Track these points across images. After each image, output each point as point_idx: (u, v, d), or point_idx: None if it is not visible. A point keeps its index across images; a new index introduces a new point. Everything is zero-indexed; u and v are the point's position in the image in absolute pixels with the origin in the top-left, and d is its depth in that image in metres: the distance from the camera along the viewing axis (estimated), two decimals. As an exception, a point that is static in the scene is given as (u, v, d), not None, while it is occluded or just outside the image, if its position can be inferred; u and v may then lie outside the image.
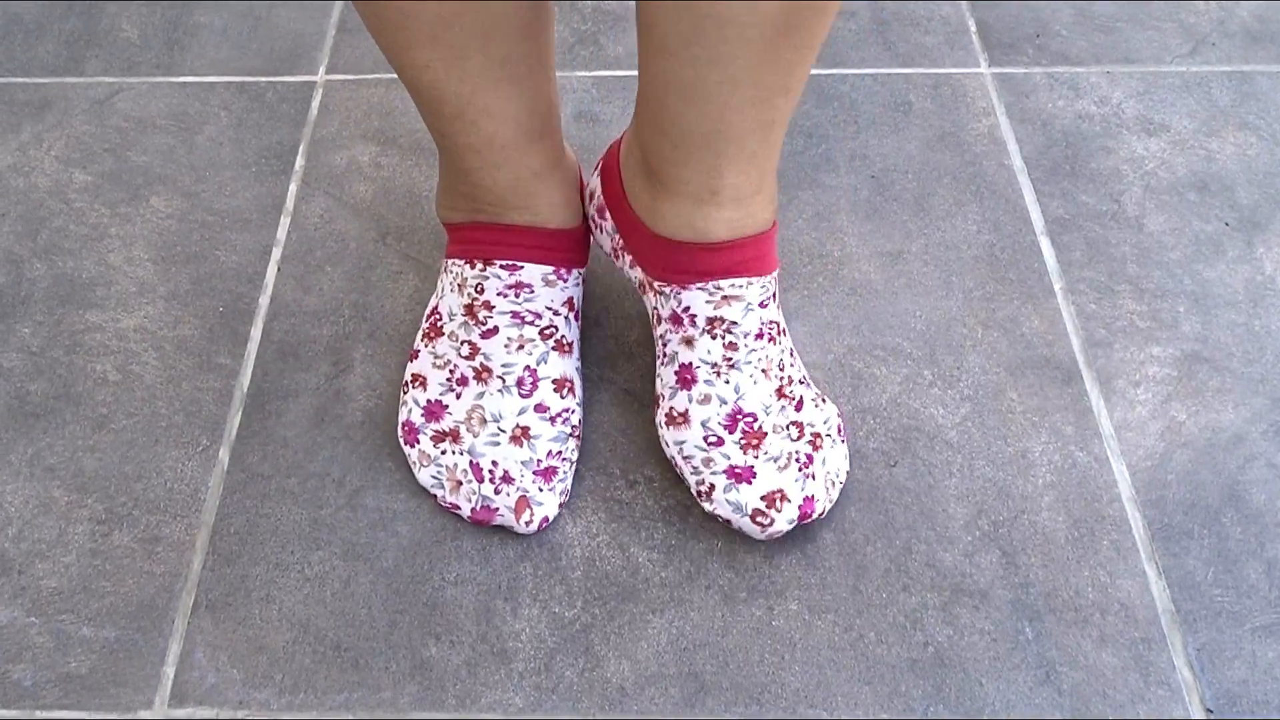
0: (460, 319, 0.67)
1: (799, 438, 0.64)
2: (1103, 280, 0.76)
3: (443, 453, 0.65)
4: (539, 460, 0.64)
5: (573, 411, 0.66)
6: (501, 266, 0.66)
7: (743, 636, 0.61)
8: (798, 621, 0.62)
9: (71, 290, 0.77)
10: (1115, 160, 0.84)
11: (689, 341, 0.64)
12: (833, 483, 0.64)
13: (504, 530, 0.65)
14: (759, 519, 0.62)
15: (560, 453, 0.65)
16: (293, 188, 0.84)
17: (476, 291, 0.66)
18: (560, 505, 0.65)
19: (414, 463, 0.66)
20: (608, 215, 0.68)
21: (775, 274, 0.66)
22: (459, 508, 0.65)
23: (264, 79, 0.92)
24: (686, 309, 0.64)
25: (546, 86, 0.62)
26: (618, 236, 0.68)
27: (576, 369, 0.68)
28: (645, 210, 0.64)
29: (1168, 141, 0.85)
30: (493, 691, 0.59)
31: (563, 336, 0.67)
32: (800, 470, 0.63)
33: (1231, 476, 0.67)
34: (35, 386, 0.72)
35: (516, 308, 0.66)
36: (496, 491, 0.64)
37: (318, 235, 0.81)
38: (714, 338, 0.63)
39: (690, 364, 0.64)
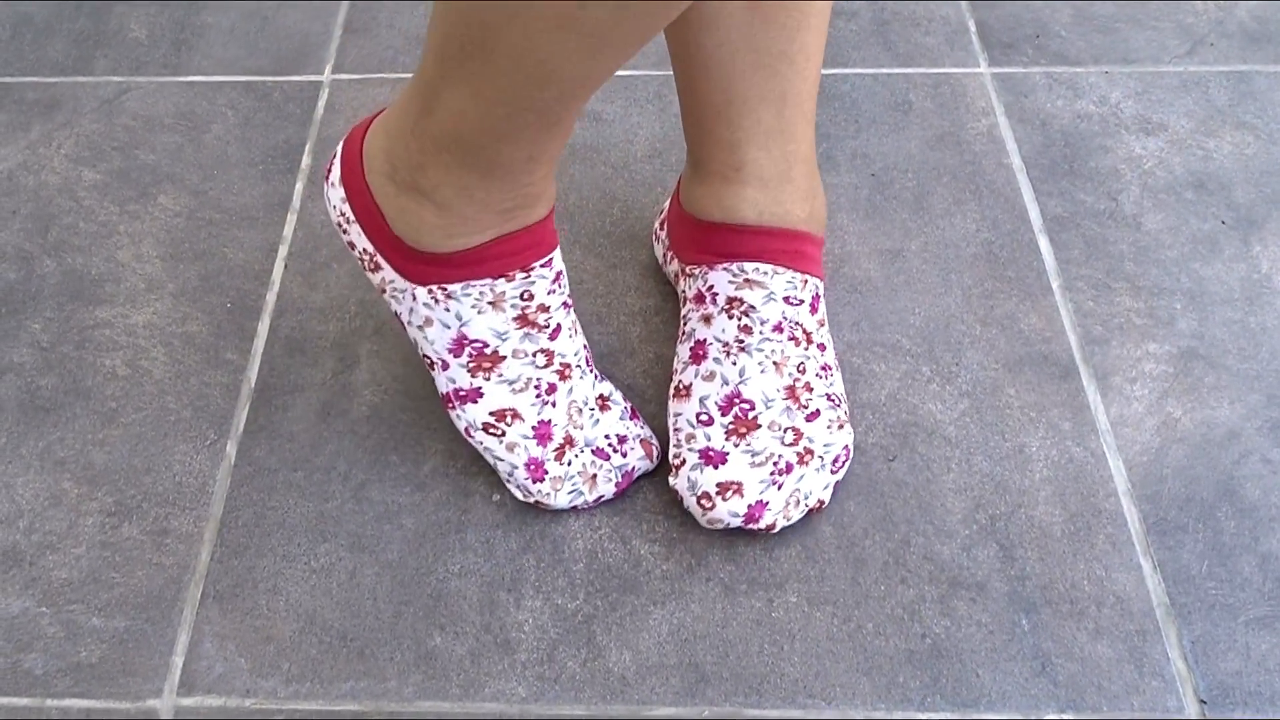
0: (516, 333, 0.62)
1: (791, 444, 0.64)
2: (1100, 278, 0.77)
3: (569, 464, 0.64)
4: (626, 408, 0.68)
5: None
6: (540, 264, 0.62)
7: (743, 628, 0.62)
8: (797, 613, 0.62)
9: (81, 286, 0.78)
10: (1113, 159, 0.85)
11: (707, 319, 0.66)
12: (797, 502, 0.63)
13: (507, 523, 0.66)
14: (703, 502, 0.63)
15: (620, 395, 0.68)
16: (299, 186, 0.85)
17: (524, 299, 0.61)
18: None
19: (547, 495, 0.64)
20: (665, 226, 0.74)
21: (813, 280, 0.68)
22: (604, 496, 0.66)
23: (271, 79, 0.93)
24: (710, 287, 0.66)
25: None
26: (669, 240, 0.73)
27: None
28: (686, 198, 0.69)
29: (1165, 141, 0.86)
30: (496, 681, 0.60)
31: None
32: (772, 474, 0.63)
33: (1226, 472, 0.67)
34: (45, 381, 0.73)
35: (564, 297, 0.64)
36: (624, 455, 0.66)
37: (324, 233, 0.82)
38: (730, 317, 0.65)
39: (704, 340, 0.66)
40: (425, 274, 0.60)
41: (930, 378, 0.72)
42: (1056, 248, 0.79)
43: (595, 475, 0.65)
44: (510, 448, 0.64)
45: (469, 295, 0.61)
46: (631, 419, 0.68)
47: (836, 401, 0.67)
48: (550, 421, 0.64)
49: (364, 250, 0.62)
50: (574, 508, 0.66)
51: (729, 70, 0.59)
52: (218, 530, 0.66)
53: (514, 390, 0.63)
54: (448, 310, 0.61)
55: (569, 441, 0.64)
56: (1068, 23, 0.96)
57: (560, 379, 0.64)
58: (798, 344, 0.66)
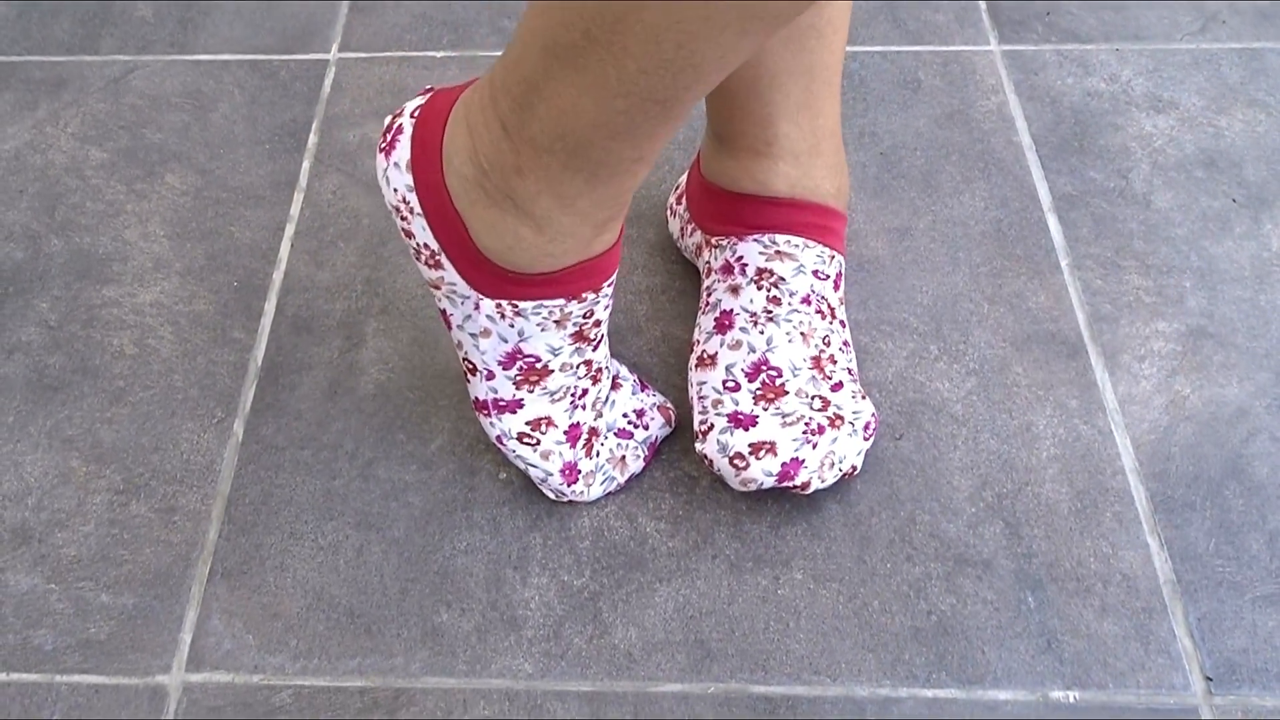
0: (569, 348, 0.60)
1: (820, 409, 0.64)
2: (1109, 256, 0.77)
3: (598, 455, 0.64)
4: (635, 382, 0.68)
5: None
6: (608, 284, 0.60)
7: (748, 605, 0.62)
8: (803, 590, 0.62)
9: (88, 266, 0.79)
10: (1123, 137, 0.84)
11: (735, 290, 0.66)
12: (831, 464, 0.63)
13: (514, 500, 0.66)
14: (736, 462, 0.62)
15: (626, 370, 0.69)
16: (306, 165, 0.85)
17: (585, 318, 0.60)
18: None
19: (581, 494, 0.65)
20: (684, 200, 0.74)
21: (838, 257, 0.68)
22: (635, 473, 0.66)
23: (277, 57, 0.93)
24: (739, 258, 0.67)
25: None
26: (687, 214, 0.73)
27: None
28: (712, 171, 0.69)
29: (1176, 118, 0.85)
30: (502, 658, 0.61)
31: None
32: (805, 433, 0.62)
33: (1235, 450, 0.67)
34: (54, 360, 0.73)
35: (609, 309, 0.62)
36: (646, 428, 0.66)
37: (331, 211, 0.82)
38: (760, 288, 0.66)
39: (731, 310, 0.66)
40: (498, 288, 0.57)
41: (938, 356, 0.72)
42: (1065, 226, 0.79)
43: (624, 456, 0.65)
44: (545, 455, 0.63)
45: (539, 314, 0.58)
46: (643, 391, 0.68)
47: (855, 376, 0.67)
48: (579, 423, 0.63)
49: (424, 245, 0.57)
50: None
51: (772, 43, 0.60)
52: (225, 508, 0.67)
53: (553, 400, 0.62)
54: (511, 326, 0.58)
55: (594, 434, 0.64)
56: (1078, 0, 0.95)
57: (592, 383, 0.63)
58: (824, 317, 0.66)
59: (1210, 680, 0.59)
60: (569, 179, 0.52)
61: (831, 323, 0.67)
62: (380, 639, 0.61)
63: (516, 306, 0.57)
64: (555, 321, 0.59)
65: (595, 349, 0.62)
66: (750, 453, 0.62)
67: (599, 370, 0.64)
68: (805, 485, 0.62)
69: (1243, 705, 0.58)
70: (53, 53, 0.94)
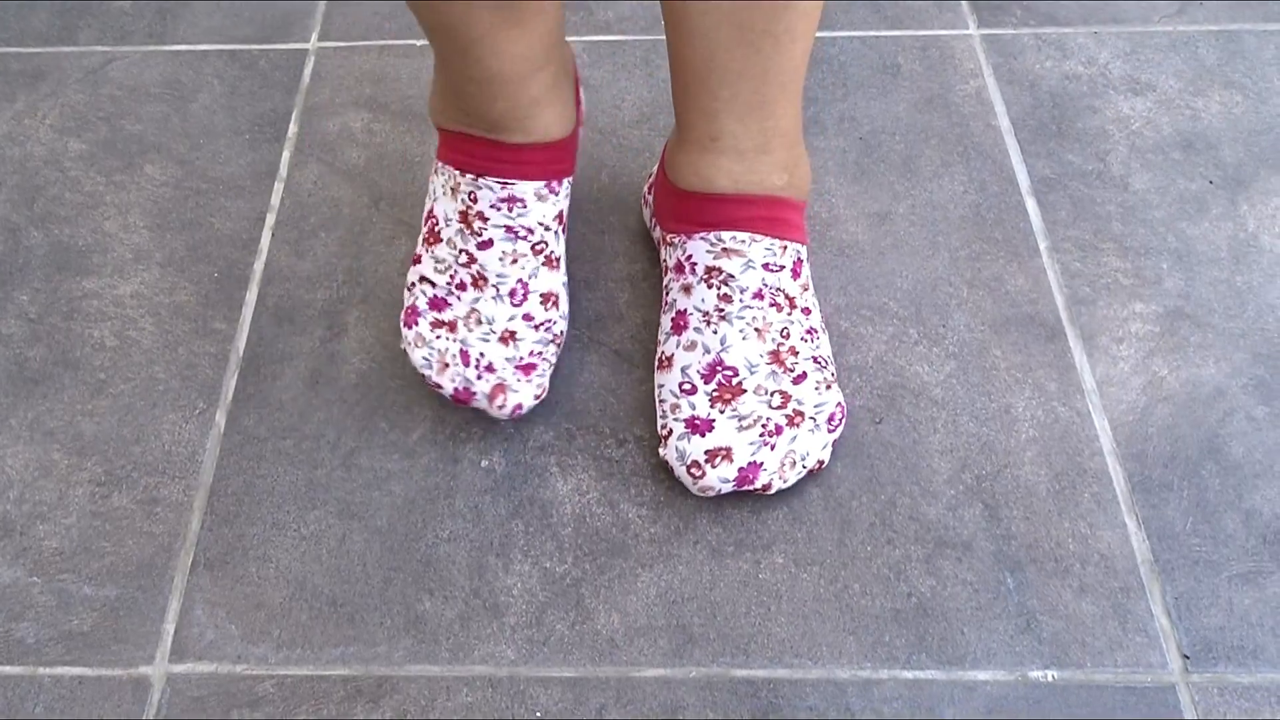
0: (456, 225, 0.68)
1: (779, 407, 0.64)
2: (1087, 239, 0.77)
3: (437, 338, 0.67)
4: (521, 358, 0.67)
5: (555, 322, 0.68)
6: (495, 181, 0.67)
7: (730, 589, 0.62)
8: (784, 574, 0.63)
9: (68, 257, 0.78)
10: (1101, 120, 0.84)
11: (687, 289, 0.66)
12: (793, 463, 0.64)
13: (496, 489, 0.66)
14: (693, 470, 0.63)
15: (541, 353, 0.67)
16: (286, 154, 0.85)
17: (470, 200, 0.67)
18: (536, 398, 0.66)
19: (409, 343, 0.68)
20: (652, 191, 0.74)
21: (794, 245, 0.67)
22: (442, 387, 0.66)
23: (256, 47, 0.93)
24: (689, 256, 0.66)
25: (556, 17, 0.64)
26: (653, 205, 0.73)
27: (563, 283, 0.70)
28: (669, 164, 0.69)
29: (1154, 101, 0.86)
30: (485, 644, 0.61)
31: (552, 252, 0.69)
32: (762, 436, 0.63)
33: (1211, 430, 0.68)
34: (34, 352, 0.73)
35: (510, 222, 0.67)
36: (479, 377, 0.66)
37: (311, 201, 0.81)
38: (710, 287, 0.65)
39: (685, 310, 0.66)
40: (442, 141, 0.70)
41: (917, 340, 0.72)
42: (1044, 209, 0.79)
43: (447, 365, 0.66)
44: (411, 285, 0.69)
45: (442, 174, 0.69)
46: (520, 371, 0.67)
47: (823, 363, 0.67)
48: (448, 304, 0.67)
49: None
50: (434, 385, 0.67)
51: (712, 40, 0.59)
52: (207, 499, 0.67)
53: (436, 269, 0.68)
54: (433, 179, 0.71)
55: (451, 326, 0.67)
56: (1056, -17, 0.95)
57: (473, 285, 0.67)
58: (780, 310, 0.66)
59: (1187, 658, 0.59)
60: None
61: (791, 313, 0.66)
62: (363, 627, 0.62)
63: (435, 165, 0.70)
64: (451, 189, 0.68)
65: (482, 250, 0.67)
66: (706, 460, 0.63)
67: (483, 280, 0.67)
68: (767, 487, 0.63)
69: (1219, 682, 0.59)
70: (30, 44, 0.94)
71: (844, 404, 0.66)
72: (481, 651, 0.61)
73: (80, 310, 0.75)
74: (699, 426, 0.63)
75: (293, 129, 0.86)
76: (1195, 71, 0.87)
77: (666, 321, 0.68)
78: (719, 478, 0.63)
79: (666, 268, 0.69)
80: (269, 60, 0.92)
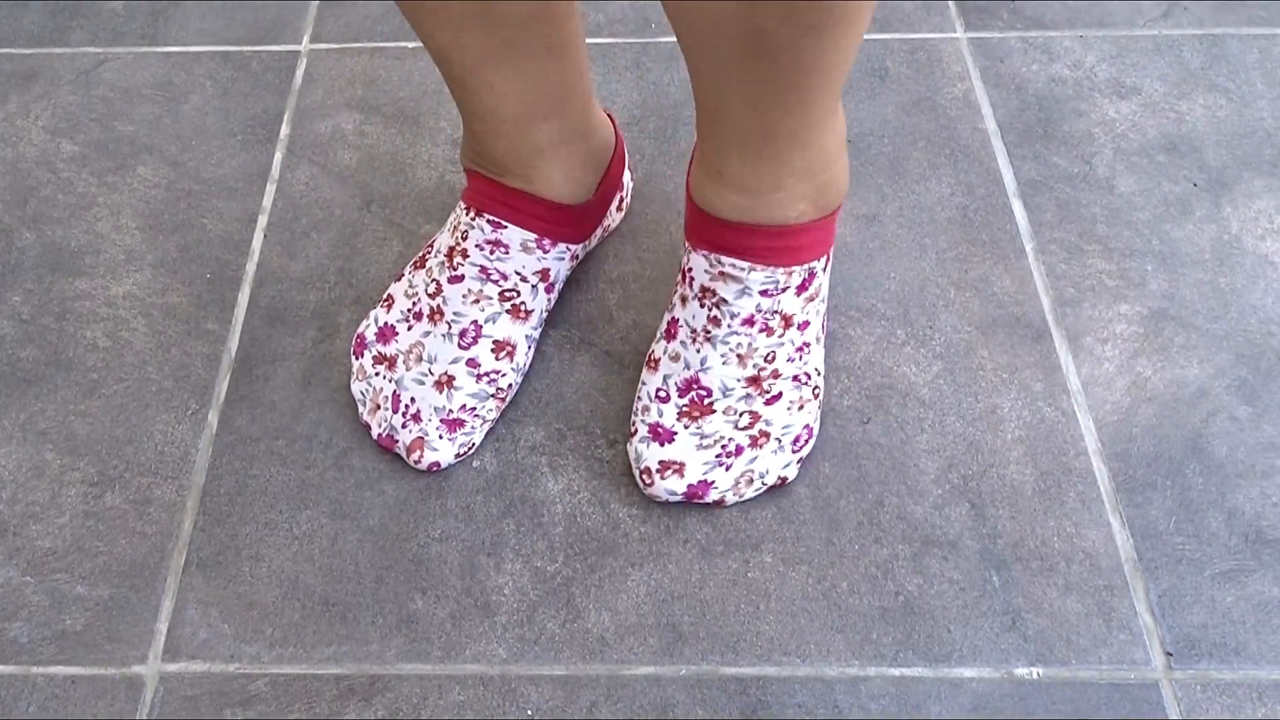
0: (440, 258, 0.69)
1: (745, 427, 0.65)
2: (1073, 240, 0.78)
3: (376, 374, 0.69)
4: (450, 410, 0.67)
5: (502, 374, 0.68)
6: (488, 221, 0.68)
7: (719, 588, 0.63)
8: (772, 573, 0.63)
9: (61, 258, 0.79)
10: (1087, 123, 0.85)
11: (684, 300, 0.66)
12: (750, 480, 0.65)
13: (488, 488, 0.67)
14: (644, 476, 0.65)
15: (474, 409, 0.67)
16: (278, 156, 0.85)
17: (461, 238, 0.68)
18: (458, 456, 0.67)
19: (353, 373, 0.70)
20: None
21: (797, 270, 0.63)
22: (370, 428, 0.68)
23: (248, 48, 0.93)
24: (689, 269, 0.65)
25: (559, 72, 0.63)
26: None
27: (528, 337, 0.69)
28: (691, 168, 0.67)
29: (1139, 104, 0.86)
30: (477, 643, 0.61)
31: (522, 303, 0.68)
32: (719, 457, 0.64)
33: (1195, 430, 0.69)
34: (26, 353, 0.74)
35: (486, 264, 0.67)
36: (403, 426, 0.67)
37: (303, 203, 0.82)
38: (702, 306, 0.65)
39: (677, 320, 0.66)
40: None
41: (905, 341, 0.73)
42: (1030, 211, 0.80)
43: (379, 406, 0.68)
44: (368, 319, 0.71)
45: (456, 211, 0.70)
46: (445, 426, 0.67)
47: (804, 380, 0.66)
48: (396, 334, 0.69)
49: None
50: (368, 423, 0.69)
51: (720, 91, 0.54)
52: (200, 498, 0.67)
53: (406, 292, 0.70)
54: (452, 214, 0.72)
55: (390, 362, 0.69)
56: (1043, -13, 0.96)
57: (429, 317, 0.68)
58: (771, 334, 0.64)
59: (1170, 655, 0.60)
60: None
61: (784, 334, 0.64)
62: (355, 626, 0.62)
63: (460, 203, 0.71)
64: (453, 226, 0.69)
65: (451, 284, 0.68)
66: (658, 470, 0.64)
67: (439, 314, 0.68)
68: (720, 502, 0.65)
69: (1202, 679, 0.60)
70: (22, 45, 0.94)
71: (813, 425, 0.66)
72: (473, 650, 0.61)
73: (73, 311, 0.76)
74: (660, 435, 0.65)
75: (285, 130, 0.87)
76: (1179, 75, 0.88)
77: (663, 322, 0.68)
78: (666, 489, 0.64)
79: (680, 268, 0.68)
80: (261, 62, 0.92)
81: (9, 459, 0.69)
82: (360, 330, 0.71)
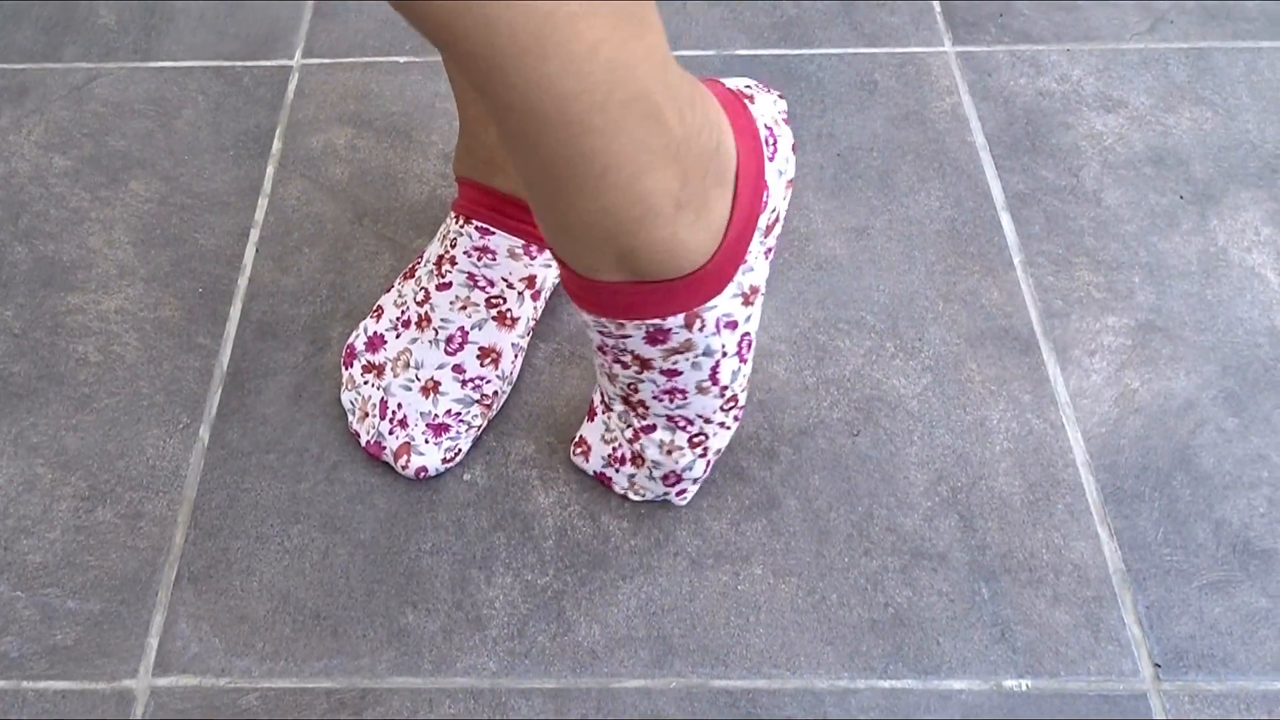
0: (429, 267, 0.70)
1: (630, 440, 0.63)
2: (1061, 253, 0.78)
3: (365, 383, 0.70)
4: (436, 415, 0.67)
5: (487, 381, 0.68)
6: (476, 227, 0.68)
7: (709, 600, 0.63)
8: (762, 585, 0.64)
9: (53, 273, 0.79)
10: (1074, 136, 0.86)
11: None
12: (636, 491, 0.66)
13: (478, 502, 0.67)
14: (575, 446, 0.68)
15: (459, 414, 0.68)
16: (270, 170, 0.85)
17: (450, 245, 0.69)
18: (445, 463, 0.67)
19: (343, 383, 0.71)
20: None
21: (634, 323, 0.54)
22: (359, 436, 0.69)
23: (240, 63, 0.94)
24: None
25: None
26: None
27: (515, 345, 0.69)
28: None
29: (1126, 117, 0.87)
30: (468, 657, 0.61)
31: (508, 310, 0.69)
32: (609, 455, 0.66)
33: (1182, 441, 0.69)
34: (18, 368, 0.74)
35: (474, 270, 0.68)
36: (390, 432, 0.67)
37: (295, 217, 0.82)
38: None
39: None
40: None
41: (894, 353, 0.73)
42: (1018, 224, 0.80)
43: (368, 414, 0.69)
44: (358, 330, 0.72)
45: (446, 221, 0.71)
46: (431, 431, 0.66)
47: (679, 425, 0.61)
48: (385, 343, 0.70)
49: None
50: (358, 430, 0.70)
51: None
52: (191, 513, 0.67)
53: (395, 302, 0.72)
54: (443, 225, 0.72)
55: (379, 370, 0.69)
56: (1031, 1, 0.96)
57: (416, 324, 0.69)
58: (626, 367, 0.57)
59: (1159, 666, 0.61)
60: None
61: (641, 373, 0.58)
62: (346, 640, 0.62)
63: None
64: (443, 235, 0.70)
65: (439, 291, 0.68)
66: (577, 443, 0.68)
67: (427, 321, 0.68)
68: (624, 496, 0.67)
69: (1190, 690, 0.60)
70: (14, 60, 0.94)
71: (678, 473, 0.63)
72: (464, 663, 0.61)
73: (65, 325, 0.76)
74: (594, 412, 0.67)
75: (277, 145, 0.87)
76: (1166, 88, 0.89)
77: None
78: (578, 465, 0.68)
79: None
80: (253, 76, 0.92)
81: (0, 474, 0.69)
82: (350, 341, 0.72)
